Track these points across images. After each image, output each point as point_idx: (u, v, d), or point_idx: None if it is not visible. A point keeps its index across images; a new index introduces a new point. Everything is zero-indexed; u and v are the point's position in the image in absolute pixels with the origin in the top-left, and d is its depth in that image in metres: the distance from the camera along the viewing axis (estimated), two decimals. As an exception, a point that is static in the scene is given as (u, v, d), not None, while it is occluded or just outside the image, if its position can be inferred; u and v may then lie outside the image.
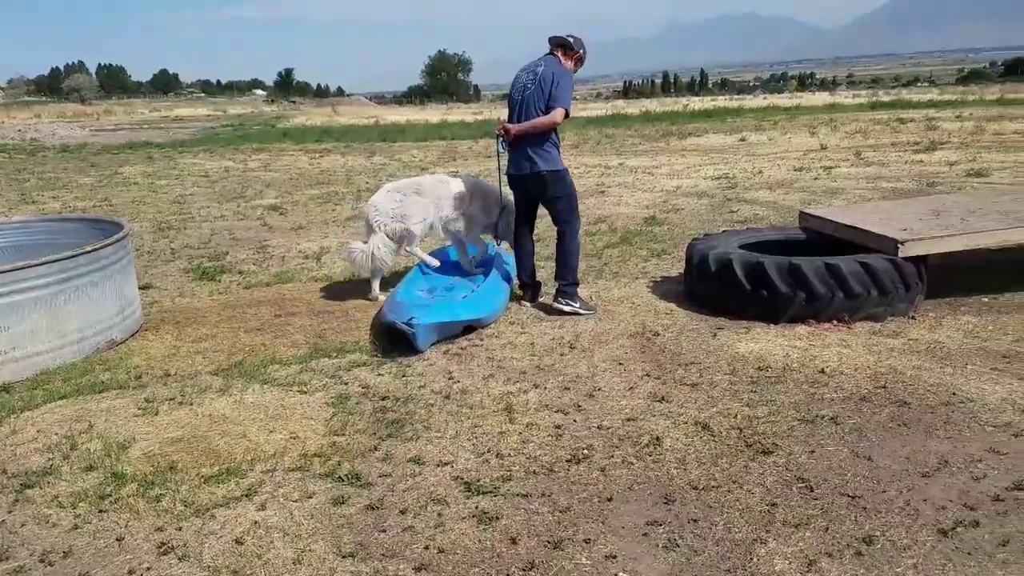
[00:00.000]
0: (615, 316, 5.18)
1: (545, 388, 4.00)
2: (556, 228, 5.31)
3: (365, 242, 5.62)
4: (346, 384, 4.10)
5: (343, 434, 3.51)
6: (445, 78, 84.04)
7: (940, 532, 2.60)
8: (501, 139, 5.26)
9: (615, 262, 6.66)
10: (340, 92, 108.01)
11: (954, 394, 3.65)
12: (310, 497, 2.99)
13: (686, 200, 9.83)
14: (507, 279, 5.60)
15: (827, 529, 2.66)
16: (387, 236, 5.61)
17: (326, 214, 10.14)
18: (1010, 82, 60.72)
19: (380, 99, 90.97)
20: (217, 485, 3.08)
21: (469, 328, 4.87)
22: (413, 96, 77.09)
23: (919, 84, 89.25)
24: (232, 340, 4.94)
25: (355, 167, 16.16)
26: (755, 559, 2.52)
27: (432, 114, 43.41)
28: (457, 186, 5.81)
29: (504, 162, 5.50)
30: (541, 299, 5.50)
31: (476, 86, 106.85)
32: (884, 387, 3.77)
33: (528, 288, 5.56)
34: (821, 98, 40.57)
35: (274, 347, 4.76)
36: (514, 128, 5.12)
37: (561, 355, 4.49)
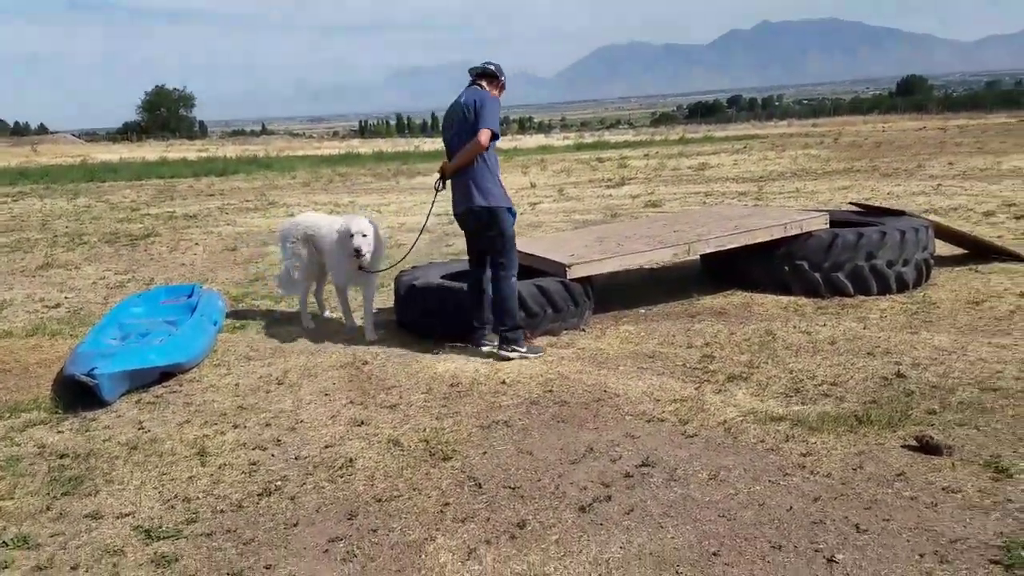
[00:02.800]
0: (328, 349, 5.32)
1: (245, 427, 4.02)
2: (491, 270, 5.04)
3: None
4: (19, 445, 3.80)
5: (11, 498, 3.27)
6: (165, 114, 78.31)
7: (580, 509, 3.07)
8: (439, 180, 5.15)
9: (333, 297, 6.78)
10: (43, 129, 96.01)
11: (605, 391, 4.29)
12: (-37, 570, 2.76)
13: (409, 236, 10.19)
14: (213, 321, 5.49)
15: (488, 520, 3.02)
16: (286, 268, 5.89)
17: (13, 264, 9.08)
18: (692, 123, 71.04)
19: (91, 136, 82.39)
20: None
21: (168, 375, 4.71)
22: (129, 133, 70.79)
23: (620, 126, 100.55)
24: None
25: (54, 211, 14.59)
26: (423, 556, 2.80)
27: (150, 151, 40.26)
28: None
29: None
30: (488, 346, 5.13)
31: (202, 122, 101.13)
32: (551, 391, 4.33)
33: (476, 330, 5.19)
34: (536, 140, 44.11)
35: (-70, 415, 4.23)
36: (449, 167, 5.01)
37: (267, 392, 4.53)
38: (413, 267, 6.39)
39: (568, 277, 5.40)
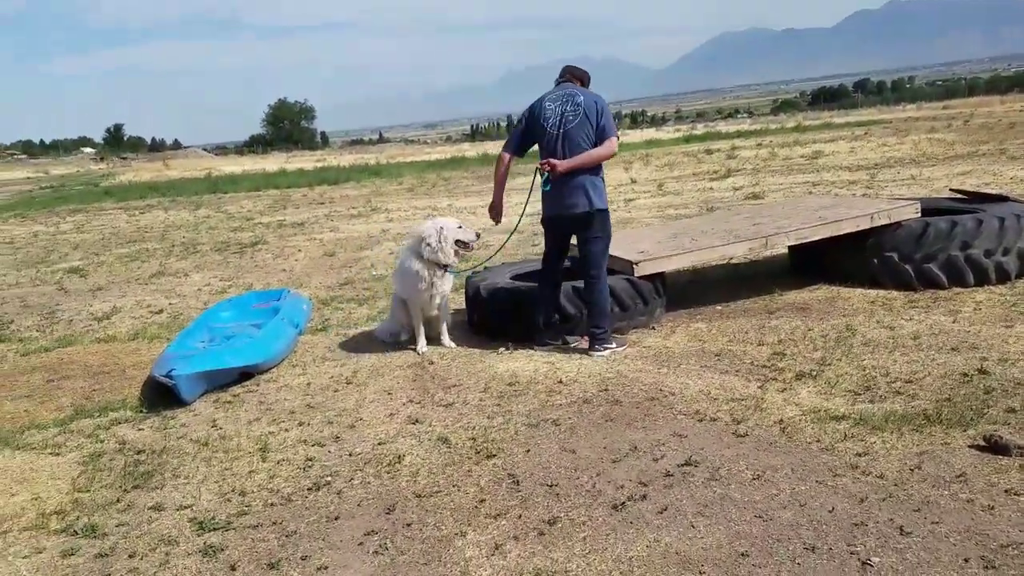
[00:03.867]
0: (399, 349, 5.47)
1: (309, 425, 4.20)
2: (587, 271, 4.92)
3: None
4: (103, 442, 4.13)
5: (88, 490, 3.57)
6: (288, 126, 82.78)
7: (613, 507, 3.04)
8: (547, 175, 4.77)
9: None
10: (176, 145, 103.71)
11: (661, 390, 4.20)
12: (40, 552, 3.05)
13: (499, 236, 10.32)
14: (294, 324, 5.77)
15: (520, 516, 3.03)
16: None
17: (131, 273, 9.88)
18: (814, 110, 67.77)
19: (221, 150, 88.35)
20: (-57, 553, 3.06)
21: (247, 375, 4.99)
22: (255, 145, 75.37)
23: (739, 115, 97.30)
24: (-6, 411, 4.81)
25: (175, 222, 15.74)
26: (451, 550, 2.85)
27: (272, 163, 42.65)
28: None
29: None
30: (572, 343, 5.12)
31: (323, 132, 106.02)
32: (606, 389, 4.28)
33: (541, 330, 5.17)
34: (645, 134, 43.35)
35: (36, 412, 4.69)
36: (563, 164, 4.70)
37: (335, 392, 4.72)
38: (485, 268, 6.47)
39: (635, 275, 5.32)
